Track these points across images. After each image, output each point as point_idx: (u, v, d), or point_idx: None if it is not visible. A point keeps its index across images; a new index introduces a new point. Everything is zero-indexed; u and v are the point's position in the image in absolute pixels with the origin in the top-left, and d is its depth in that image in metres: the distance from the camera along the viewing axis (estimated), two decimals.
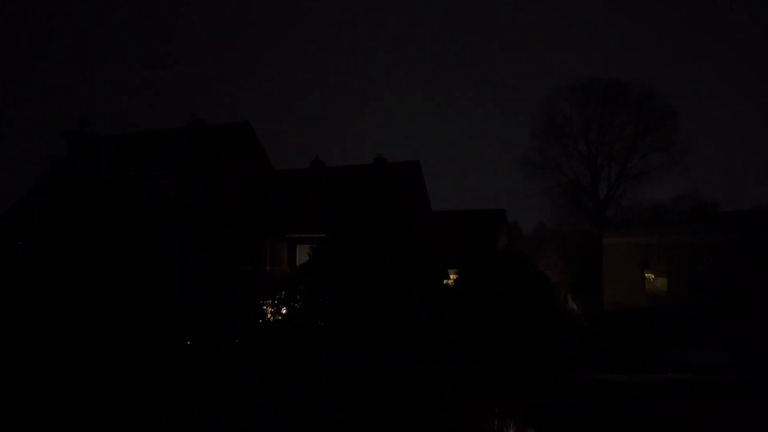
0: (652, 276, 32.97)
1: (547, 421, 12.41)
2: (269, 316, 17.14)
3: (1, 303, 12.40)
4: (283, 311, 17.22)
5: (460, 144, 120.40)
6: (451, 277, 23.55)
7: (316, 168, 35.27)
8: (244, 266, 23.22)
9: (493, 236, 43.29)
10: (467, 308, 17.32)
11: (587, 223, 50.03)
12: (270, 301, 17.11)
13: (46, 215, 14.36)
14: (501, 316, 17.39)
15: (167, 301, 13.63)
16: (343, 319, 15.70)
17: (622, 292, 34.52)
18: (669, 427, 11.89)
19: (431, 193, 36.27)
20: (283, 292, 17.40)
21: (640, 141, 47.62)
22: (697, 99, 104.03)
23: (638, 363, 17.79)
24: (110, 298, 12.75)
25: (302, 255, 26.11)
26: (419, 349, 15.20)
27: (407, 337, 15.35)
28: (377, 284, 16.18)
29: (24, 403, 10.96)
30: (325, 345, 15.10)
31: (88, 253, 13.27)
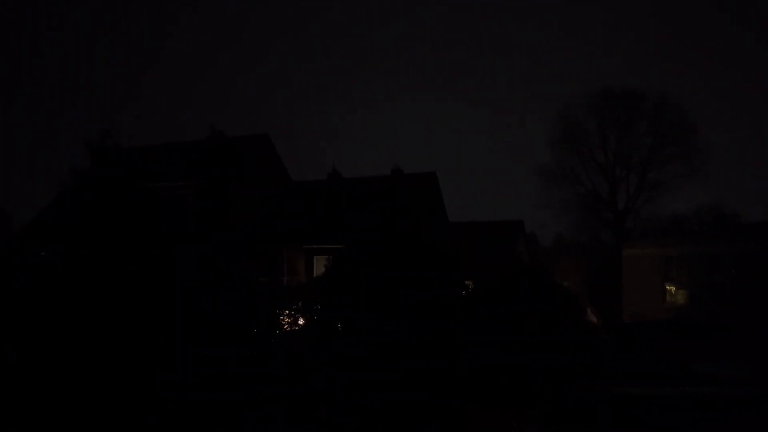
0: (673, 288, 32.50)
1: None
2: (286, 327, 17.16)
3: (24, 311, 12.58)
4: (300, 321, 17.24)
5: (477, 155, 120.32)
6: (470, 287, 23.39)
7: (333, 179, 35.34)
8: (261, 276, 23.33)
9: (511, 247, 43.01)
10: (484, 320, 17.20)
11: (606, 234, 49.53)
12: (287, 312, 17.14)
13: (68, 226, 14.57)
14: (518, 327, 17.24)
15: (182, 312, 13.71)
16: (360, 330, 15.68)
17: (643, 303, 34.04)
18: None
19: (448, 205, 36.14)
20: (300, 303, 17.43)
21: (659, 151, 47.16)
22: (718, 109, 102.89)
23: (661, 376, 17.49)
24: (128, 309, 12.86)
25: (319, 266, 26.13)
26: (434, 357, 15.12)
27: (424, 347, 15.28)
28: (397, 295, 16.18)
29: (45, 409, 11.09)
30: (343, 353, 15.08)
31: (112, 264, 13.42)
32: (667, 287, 32.94)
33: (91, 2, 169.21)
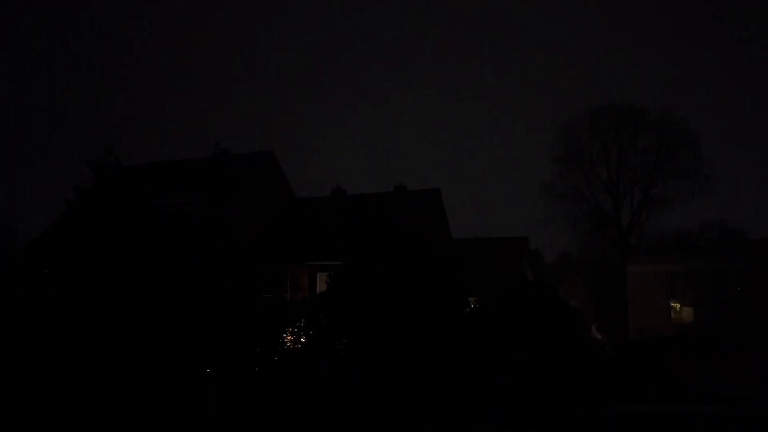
0: (678, 305, 32.33)
1: None
2: (289, 344, 17.12)
3: (30, 328, 12.64)
4: (303, 340, 17.19)
5: (480, 171, 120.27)
6: (472, 305, 23.34)
7: (337, 196, 35.49)
8: (265, 293, 23.35)
9: (515, 264, 42.96)
10: (487, 336, 17.14)
11: (611, 250, 49.34)
12: (290, 329, 17.11)
13: (72, 244, 14.66)
14: (521, 345, 17.15)
15: (186, 330, 13.72)
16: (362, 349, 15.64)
17: (648, 320, 33.84)
18: None
19: (452, 221, 36.14)
20: (302, 320, 17.40)
21: (662, 167, 47.10)
22: (723, 124, 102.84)
23: (666, 393, 17.36)
24: (130, 325, 12.90)
25: (322, 283, 26.13)
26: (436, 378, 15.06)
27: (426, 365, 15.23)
28: (400, 313, 16.16)
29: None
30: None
31: (113, 281, 13.48)
32: (672, 304, 32.73)
33: (94, 17, 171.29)
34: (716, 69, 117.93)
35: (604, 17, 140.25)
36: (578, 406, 15.32)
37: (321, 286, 26.54)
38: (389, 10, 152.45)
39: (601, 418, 14.37)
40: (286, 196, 34.45)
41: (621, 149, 48.15)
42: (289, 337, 16.99)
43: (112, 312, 12.90)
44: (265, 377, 14.80)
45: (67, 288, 13.51)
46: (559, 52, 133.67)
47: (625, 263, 40.92)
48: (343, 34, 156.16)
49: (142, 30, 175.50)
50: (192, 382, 13.05)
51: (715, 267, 29.98)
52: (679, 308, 32.26)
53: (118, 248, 13.96)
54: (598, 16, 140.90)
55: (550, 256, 60.13)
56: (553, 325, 19.56)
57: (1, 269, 15.48)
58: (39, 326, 12.58)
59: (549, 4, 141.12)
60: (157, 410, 11.81)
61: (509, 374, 16.30)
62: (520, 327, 18.36)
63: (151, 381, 12.17)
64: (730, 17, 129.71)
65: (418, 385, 14.77)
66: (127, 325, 12.71)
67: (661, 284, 33.54)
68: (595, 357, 21.46)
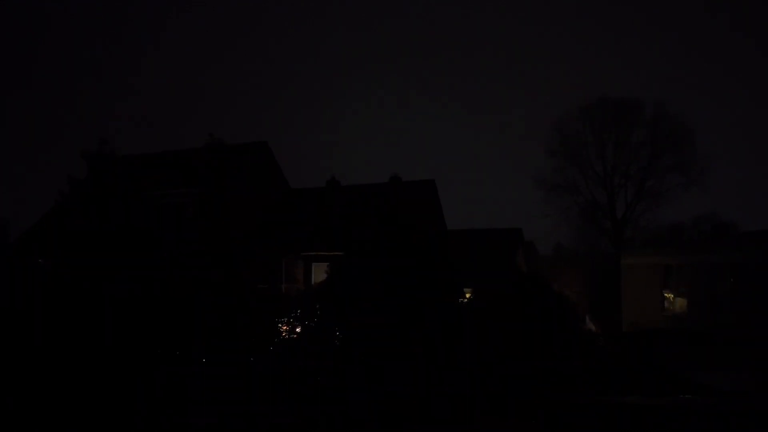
0: (672, 296, 32.51)
1: None
2: (284, 334, 17.15)
3: (23, 320, 12.57)
4: (298, 330, 17.22)
5: (475, 163, 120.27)
6: (467, 295, 23.42)
7: (331, 187, 35.39)
8: (260, 284, 23.31)
9: (509, 255, 43.02)
10: (481, 327, 17.19)
11: (605, 243, 49.47)
12: (286, 319, 17.13)
13: (65, 235, 14.58)
14: (516, 334, 17.23)
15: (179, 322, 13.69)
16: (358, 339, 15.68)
17: (641, 312, 34.03)
18: None
19: (447, 212, 36.14)
20: (298, 311, 17.41)
21: (656, 161, 47.17)
22: (716, 117, 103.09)
23: (658, 385, 17.45)
24: (124, 317, 12.84)
25: (318, 273, 26.12)
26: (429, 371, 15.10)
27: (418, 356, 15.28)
28: (394, 305, 16.18)
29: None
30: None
31: (105, 273, 13.41)
32: (666, 296, 32.92)
33: (85, 9, 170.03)
34: (709, 63, 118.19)
35: (600, 11, 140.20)
36: (571, 396, 15.40)
37: (317, 276, 26.52)
38: (381, 3, 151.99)
39: (592, 409, 14.43)
40: (280, 187, 34.35)
41: (616, 143, 48.16)
42: (285, 327, 17.01)
43: (102, 303, 12.85)
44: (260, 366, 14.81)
45: (58, 278, 13.43)
46: (555, 44, 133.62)
47: (619, 256, 41.10)
48: (339, 28, 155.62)
49: (138, 22, 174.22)
50: (185, 371, 13.06)
51: (708, 260, 30.13)
52: (673, 299, 32.45)
53: (109, 239, 13.89)
54: (594, 9, 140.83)
55: (545, 248, 60.19)
56: (548, 317, 19.65)
57: None
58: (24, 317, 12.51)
59: None
60: (149, 396, 11.82)
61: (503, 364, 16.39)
62: (515, 319, 18.43)
63: (140, 370, 12.15)
64: (723, 11, 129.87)
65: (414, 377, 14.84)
66: (117, 315, 12.67)
67: (655, 277, 33.73)
68: (589, 348, 21.59)
